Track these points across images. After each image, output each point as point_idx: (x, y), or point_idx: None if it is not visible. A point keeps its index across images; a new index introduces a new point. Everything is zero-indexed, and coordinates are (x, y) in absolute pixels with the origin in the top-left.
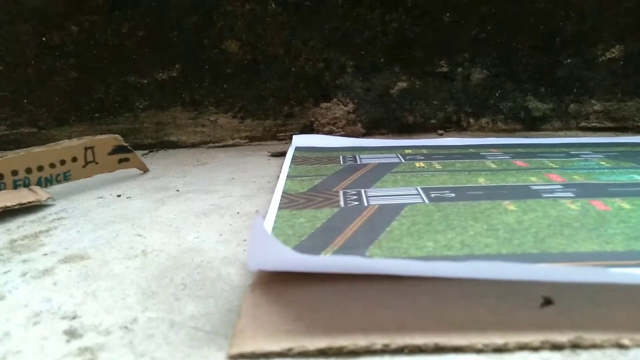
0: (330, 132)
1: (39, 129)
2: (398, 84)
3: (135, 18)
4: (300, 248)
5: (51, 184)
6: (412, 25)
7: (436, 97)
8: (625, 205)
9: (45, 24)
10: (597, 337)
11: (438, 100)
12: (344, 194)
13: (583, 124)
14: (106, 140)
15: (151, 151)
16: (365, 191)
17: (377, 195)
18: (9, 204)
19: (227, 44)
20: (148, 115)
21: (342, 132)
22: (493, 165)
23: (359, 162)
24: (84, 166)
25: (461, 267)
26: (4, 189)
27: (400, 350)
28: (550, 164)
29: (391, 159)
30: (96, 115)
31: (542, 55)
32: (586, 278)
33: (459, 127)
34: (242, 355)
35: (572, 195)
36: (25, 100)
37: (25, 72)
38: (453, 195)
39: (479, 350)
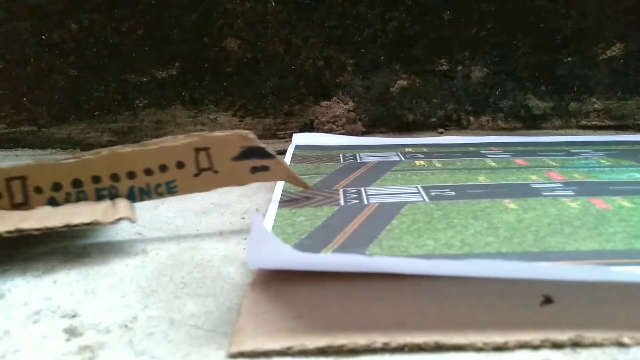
0: (330, 131)
1: (38, 127)
2: (398, 82)
3: (135, 16)
4: (300, 246)
5: (149, 197)
6: (412, 23)
7: (436, 95)
8: (626, 203)
9: (45, 22)
10: (598, 335)
11: (438, 98)
12: (344, 192)
13: (583, 122)
14: (228, 139)
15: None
16: (365, 189)
17: (377, 194)
18: (52, 224)
19: (227, 42)
20: (148, 114)
21: (342, 131)
22: (493, 164)
23: (359, 161)
24: (195, 175)
25: (461, 266)
26: (85, 199)
27: (400, 349)
28: (551, 163)
29: (391, 157)
30: (96, 113)
31: (542, 54)
32: (586, 276)
33: (459, 126)
34: (242, 354)
35: (573, 193)
36: (24, 99)
37: (25, 70)
38: (453, 193)
39: (479, 349)
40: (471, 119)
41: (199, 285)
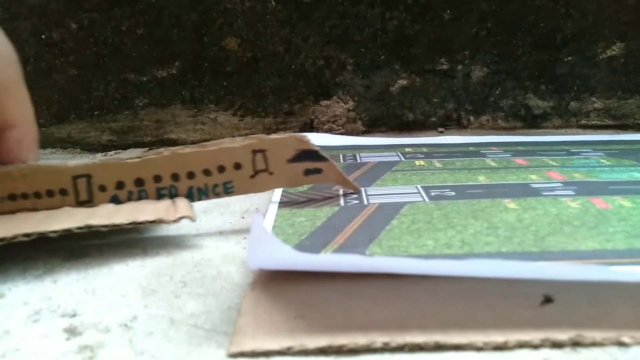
0: (330, 130)
1: (38, 126)
2: (398, 81)
3: (135, 15)
4: (300, 247)
5: (207, 196)
6: (412, 22)
7: (436, 94)
8: (626, 203)
9: (45, 22)
10: (598, 335)
11: (438, 97)
12: (344, 192)
13: (583, 121)
14: (285, 142)
15: (151, 149)
16: (365, 190)
17: (377, 194)
18: (119, 220)
19: (227, 41)
20: (148, 113)
21: (342, 130)
22: (493, 164)
23: (359, 161)
24: (251, 176)
25: (461, 266)
26: (146, 198)
27: (400, 349)
28: (551, 162)
29: (391, 157)
30: (96, 112)
31: (542, 53)
32: (587, 276)
33: (459, 125)
34: (242, 354)
35: (573, 193)
36: None
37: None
38: (453, 193)
39: (479, 349)
40: (471, 118)
41: (199, 285)
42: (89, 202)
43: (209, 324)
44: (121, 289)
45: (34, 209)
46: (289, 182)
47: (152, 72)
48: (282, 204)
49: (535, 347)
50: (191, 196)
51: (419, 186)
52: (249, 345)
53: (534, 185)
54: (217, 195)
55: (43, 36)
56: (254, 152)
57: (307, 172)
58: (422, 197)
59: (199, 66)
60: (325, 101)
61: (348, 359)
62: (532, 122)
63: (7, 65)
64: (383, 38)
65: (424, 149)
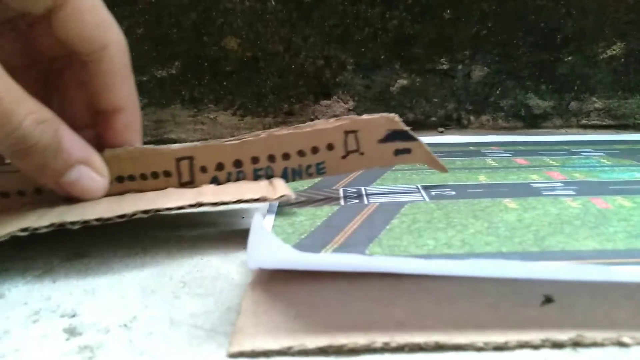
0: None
1: None
2: (398, 81)
3: (134, 15)
4: (300, 246)
5: (300, 177)
6: (412, 22)
7: (437, 94)
8: (626, 203)
9: None
10: (598, 335)
11: (438, 97)
12: (344, 191)
13: (584, 121)
14: (376, 122)
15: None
16: (365, 189)
17: (378, 193)
18: (227, 198)
19: (227, 41)
20: (147, 113)
21: None
22: (494, 163)
23: None
24: (343, 157)
25: (462, 265)
26: (244, 179)
27: (400, 349)
28: (551, 162)
29: None
30: None
31: (543, 53)
32: (587, 276)
33: (459, 125)
34: (242, 354)
35: (573, 193)
36: None
37: None
38: (453, 193)
39: (479, 349)
40: (471, 118)
41: (198, 285)
42: (191, 183)
43: (208, 324)
44: (121, 289)
45: (140, 190)
46: (379, 162)
47: (152, 72)
48: (282, 203)
49: (536, 347)
50: (286, 176)
51: (419, 185)
52: (248, 344)
53: (535, 185)
54: (310, 175)
55: None
56: (346, 132)
57: (397, 152)
58: (423, 196)
59: (198, 66)
60: (325, 101)
61: (348, 359)
62: (533, 121)
63: (121, 51)
64: (383, 38)
65: None
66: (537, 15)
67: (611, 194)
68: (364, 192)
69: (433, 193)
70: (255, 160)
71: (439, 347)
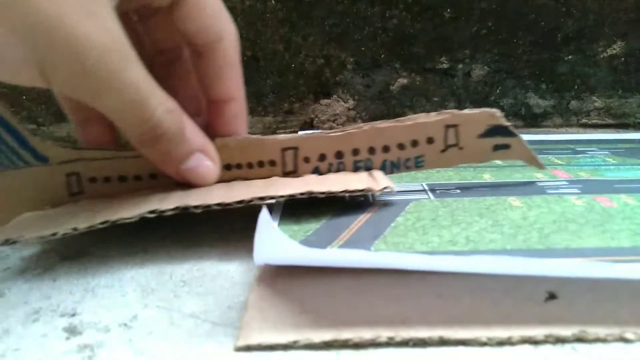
0: (330, 129)
1: (38, 125)
2: (398, 80)
3: None
4: (306, 243)
5: (398, 169)
6: (412, 21)
7: (437, 93)
8: (631, 201)
9: None
10: (601, 331)
11: (439, 96)
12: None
13: (584, 120)
14: (477, 117)
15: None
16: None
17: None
18: (334, 188)
19: None
20: None
21: None
22: (498, 162)
23: None
24: (442, 151)
25: (466, 262)
26: (343, 170)
27: (405, 343)
28: (556, 161)
29: None
30: None
31: (543, 52)
32: (591, 273)
33: None
34: (248, 347)
35: (578, 191)
36: (24, 97)
37: None
38: (458, 191)
39: (483, 344)
40: None
41: (198, 284)
42: (293, 173)
43: (209, 323)
44: (121, 288)
45: (246, 178)
46: (477, 157)
47: None
48: (288, 200)
49: (539, 342)
50: (384, 169)
51: (424, 184)
52: (255, 339)
53: (539, 184)
54: (408, 169)
55: None
56: (447, 127)
57: (496, 147)
58: (428, 194)
59: None
60: (325, 100)
61: (353, 353)
62: (533, 121)
63: (234, 42)
64: (383, 37)
65: None
66: (537, 14)
67: (616, 192)
68: None
69: (438, 191)
70: (355, 152)
71: (443, 342)
